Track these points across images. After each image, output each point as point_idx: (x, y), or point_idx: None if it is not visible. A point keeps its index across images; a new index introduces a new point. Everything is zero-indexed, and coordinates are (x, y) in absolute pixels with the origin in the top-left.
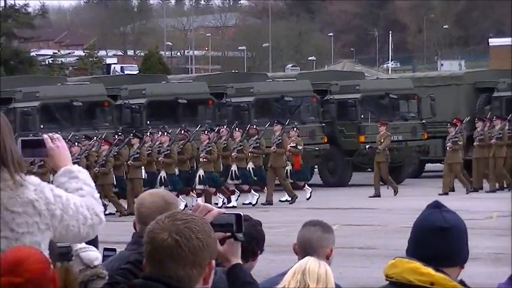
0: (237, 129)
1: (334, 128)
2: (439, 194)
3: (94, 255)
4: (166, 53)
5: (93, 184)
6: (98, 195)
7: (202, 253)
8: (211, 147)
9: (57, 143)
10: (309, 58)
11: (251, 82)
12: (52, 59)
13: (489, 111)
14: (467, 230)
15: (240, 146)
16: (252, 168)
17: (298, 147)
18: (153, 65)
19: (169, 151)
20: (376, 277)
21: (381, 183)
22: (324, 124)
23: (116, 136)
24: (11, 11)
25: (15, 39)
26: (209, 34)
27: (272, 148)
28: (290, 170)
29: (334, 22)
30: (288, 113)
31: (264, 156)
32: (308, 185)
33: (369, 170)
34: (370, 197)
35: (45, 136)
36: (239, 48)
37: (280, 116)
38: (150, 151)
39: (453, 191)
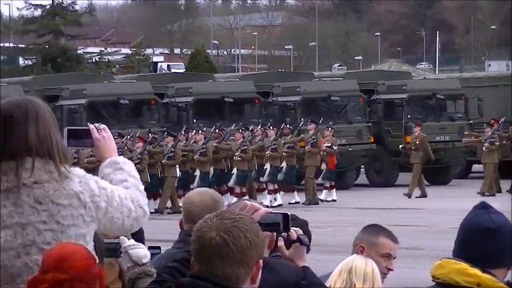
0: (271, 127)
1: (380, 128)
2: (485, 195)
3: (143, 252)
4: (213, 52)
5: (138, 176)
6: (143, 187)
7: (249, 252)
8: (246, 146)
9: (103, 133)
10: (355, 57)
11: (297, 81)
12: (99, 56)
13: None
14: None
15: (274, 145)
16: (284, 167)
17: (334, 147)
18: (199, 63)
19: (204, 149)
20: (423, 278)
21: (426, 183)
22: (370, 124)
23: (150, 134)
24: (59, 9)
25: (62, 37)
26: (256, 33)
27: (306, 148)
28: (324, 169)
29: (381, 22)
30: (334, 112)
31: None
32: (332, 187)
33: None
34: (417, 197)
35: (91, 126)
36: (285, 47)
37: (326, 115)
38: (185, 149)
39: (500, 191)
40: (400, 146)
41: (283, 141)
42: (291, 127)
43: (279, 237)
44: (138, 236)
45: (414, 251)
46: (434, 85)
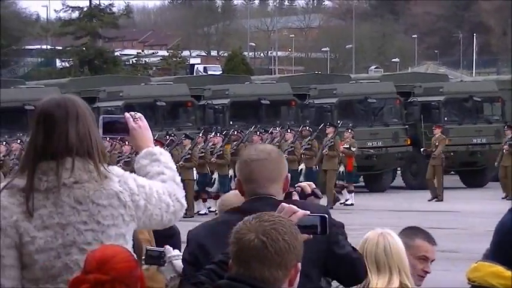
0: (288, 130)
1: (417, 130)
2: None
3: None
4: (250, 54)
5: (175, 167)
6: (179, 178)
7: (288, 255)
8: None
9: (138, 122)
10: (392, 60)
11: (334, 83)
12: (136, 58)
13: None
14: None
15: (292, 147)
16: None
17: (352, 148)
18: (236, 65)
19: (222, 152)
20: (459, 280)
21: (462, 185)
22: (407, 126)
23: (168, 136)
24: (96, 11)
25: (99, 39)
26: (292, 35)
27: (324, 151)
28: (342, 171)
29: (418, 24)
30: (371, 114)
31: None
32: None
33: (452, 172)
34: (429, 200)
35: (127, 115)
36: (322, 49)
37: (363, 117)
38: (203, 152)
39: None
40: (422, 150)
41: (301, 143)
42: (310, 129)
43: (293, 192)
44: (175, 239)
45: (450, 254)
46: (471, 87)
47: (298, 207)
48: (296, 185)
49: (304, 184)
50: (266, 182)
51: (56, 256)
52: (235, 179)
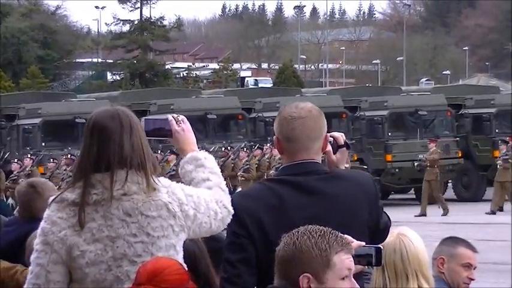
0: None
1: (468, 143)
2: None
3: None
4: (301, 67)
5: (219, 171)
6: (225, 183)
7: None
8: (248, 165)
9: (182, 125)
10: (443, 72)
11: (385, 96)
12: (187, 71)
13: None
14: None
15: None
16: None
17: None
18: (287, 78)
19: (248, 166)
20: None
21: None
22: (458, 138)
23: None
24: (147, 24)
25: (150, 52)
26: (343, 47)
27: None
28: None
29: (470, 36)
30: (422, 127)
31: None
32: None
33: None
34: (415, 216)
35: (170, 117)
36: (373, 61)
37: (414, 130)
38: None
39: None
40: (416, 164)
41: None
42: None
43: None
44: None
45: (502, 266)
46: None
47: (345, 177)
48: (330, 135)
49: (337, 135)
50: (307, 140)
51: (106, 269)
52: (274, 137)
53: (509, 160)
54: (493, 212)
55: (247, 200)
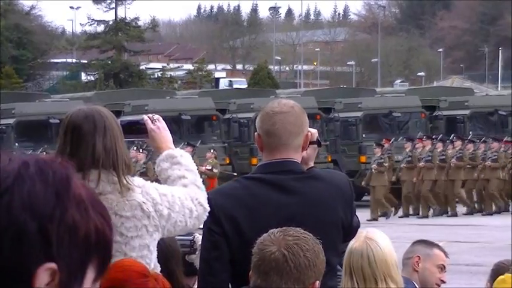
0: None
1: (337, 148)
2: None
3: None
4: (275, 68)
5: (196, 169)
6: (201, 180)
7: (307, 272)
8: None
9: (157, 124)
10: (418, 74)
11: (359, 97)
12: (161, 72)
13: None
14: None
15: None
16: None
17: (214, 170)
18: (262, 79)
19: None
20: None
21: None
22: (328, 143)
23: (141, 150)
24: (122, 25)
25: (125, 53)
26: (318, 49)
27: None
28: None
29: (444, 38)
30: (396, 128)
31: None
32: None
33: None
34: (368, 220)
35: (145, 117)
36: (348, 63)
37: (388, 131)
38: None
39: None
40: (365, 169)
41: None
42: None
43: None
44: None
45: (475, 268)
46: (496, 101)
47: (322, 177)
48: None
49: (312, 131)
50: (288, 135)
51: None
52: (255, 133)
53: (384, 164)
54: (374, 219)
55: (223, 197)
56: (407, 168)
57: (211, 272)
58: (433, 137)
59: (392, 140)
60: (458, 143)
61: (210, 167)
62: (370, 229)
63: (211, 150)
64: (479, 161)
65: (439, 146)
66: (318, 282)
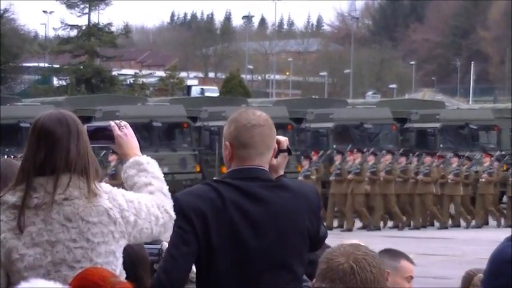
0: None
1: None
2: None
3: None
4: (248, 77)
5: (162, 176)
6: (167, 188)
7: (371, 286)
8: None
9: (124, 130)
10: (390, 86)
11: (331, 108)
12: (133, 79)
13: None
14: None
15: None
16: None
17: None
18: (233, 87)
19: None
20: None
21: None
22: (402, 152)
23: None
24: (95, 30)
25: (97, 58)
26: (291, 59)
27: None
28: None
29: (417, 50)
30: (367, 140)
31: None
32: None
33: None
34: (341, 230)
35: (112, 123)
36: (320, 73)
37: (359, 142)
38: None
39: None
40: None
41: None
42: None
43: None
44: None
45: (442, 281)
46: (467, 115)
47: (289, 187)
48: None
49: (282, 139)
50: (264, 147)
51: (45, 273)
52: (225, 143)
53: (311, 176)
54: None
55: (194, 197)
56: (336, 181)
57: (176, 267)
58: (364, 150)
59: (320, 153)
60: (388, 157)
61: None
62: (354, 241)
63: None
64: (410, 175)
65: (371, 159)
66: None
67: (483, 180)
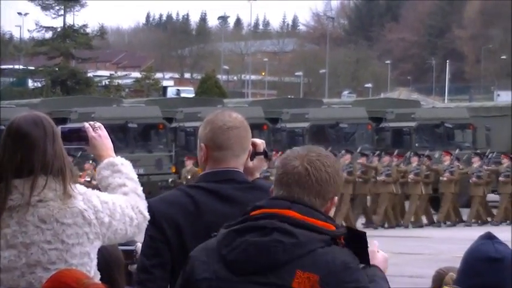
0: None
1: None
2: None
3: None
4: (223, 77)
5: (136, 177)
6: (141, 189)
7: (327, 186)
8: None
9: (98, 131)
10: (365, 85)
11: (306, 108)
12: (109, 80)
13: None
14: None
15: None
16: None
17: (93, 181)
18: (209, 88)
19: None
20: None
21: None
22: (378, 151)
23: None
24: (70, 32)
25: (72, 60)
26: (266, 59)
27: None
28: None
29: (392, 50)
30: (342, 139)
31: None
32: None
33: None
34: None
35: (86, 125)
36: (296, 73)
37: (335, 142)
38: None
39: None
40: None
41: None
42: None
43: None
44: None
45: (418, 279)
46: (442, 114)
47: (264, 188)
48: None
49: (258, 141)
50: (240, 150)
51: (20, 275)
52: (200, 144)
53: (270, 177)
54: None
55: (165, 205)
56: None
57: (153, 278)
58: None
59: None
60: (347, 157)
61: (89, 179)
62: None
63: (90, 161)
64: (370, 175)
65: (347, 159)
66: (336, 198)
67: (444, 179)
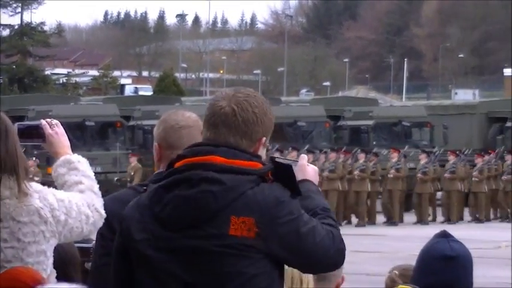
0: None
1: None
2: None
3: None
4: (181, 75)
5: (93, 175)
6: (98, 187)
7: (254, 127)
8: None
9: (55, 129)
10: (323, 83)
11: None
12: (66, 78)
13: (501, 141)
14: (475, 260)
15: None
16: None
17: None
18: (167, 86)
19: None
20: None
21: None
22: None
23: (34, 158)
24: (27, 29)
25: (30, 57)
26: (224, 57)
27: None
28: None
29: (350, 48)
30: (300, 138)
31: None
32: None
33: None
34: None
35: (43, 122)
36: (254, 72)
37: (292, 140)
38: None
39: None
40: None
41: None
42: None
43: None
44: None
45: (374, 278)
46: (400, 112)
47: None
48: None
49: None
50: None
51: None
52: (154, 144)
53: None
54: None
55: (118, 204)
56: None
57: (102, 278)
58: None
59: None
60: (294, 154)
61: (30, 176)
62: None
63: (34, 158)
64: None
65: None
66: (264, 138)
67: (391, 176)
